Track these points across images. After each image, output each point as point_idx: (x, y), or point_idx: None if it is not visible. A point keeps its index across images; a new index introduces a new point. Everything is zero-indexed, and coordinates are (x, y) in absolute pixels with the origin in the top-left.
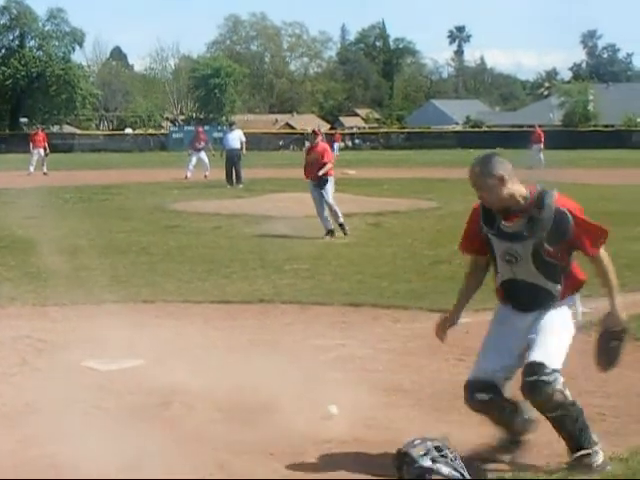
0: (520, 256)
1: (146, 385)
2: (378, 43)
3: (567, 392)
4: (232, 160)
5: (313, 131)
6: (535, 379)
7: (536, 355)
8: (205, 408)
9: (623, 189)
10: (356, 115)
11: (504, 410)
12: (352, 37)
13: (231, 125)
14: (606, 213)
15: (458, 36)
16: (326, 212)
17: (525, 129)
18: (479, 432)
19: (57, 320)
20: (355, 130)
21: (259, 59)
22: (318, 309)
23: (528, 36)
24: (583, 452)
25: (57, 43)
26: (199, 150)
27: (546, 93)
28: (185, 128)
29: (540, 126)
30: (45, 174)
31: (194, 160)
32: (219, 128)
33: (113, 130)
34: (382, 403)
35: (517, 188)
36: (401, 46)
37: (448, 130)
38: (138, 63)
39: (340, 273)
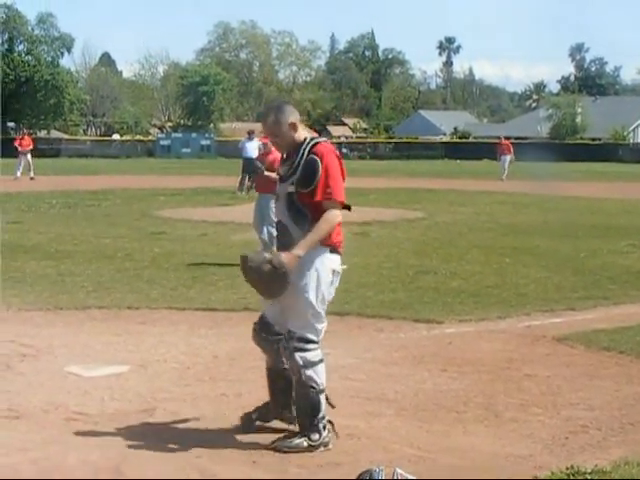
0: (278, 195)
1: (129, 392)
2: (367, 53)
3: (303, 362)
4: (248, 169)
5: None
6: (286, 345)
7: (292, 324)
8: (188, 416)
9: (609, 202)
10: (344, 124)
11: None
12: (341, 46)
13: (250, 134)
14: (592, 226)
15: (447, 47)
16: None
17: (513, 141)
18: (462, 442)
19: (41, 325)
20: (343, 139)
21: (248, 67)
22: None
23: (517, 48)
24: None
25: (46, 48)
26: None
27: (534, 105)
28: (173, 135)
29: (507, 138)
30: (32, 179)
31: None
32: (207, 135)
33: (101, 136)
34: (365, 412)
35: (300, 134)
36: (390, 56)
37: (435, 141)
38: (127, 69)
39: None
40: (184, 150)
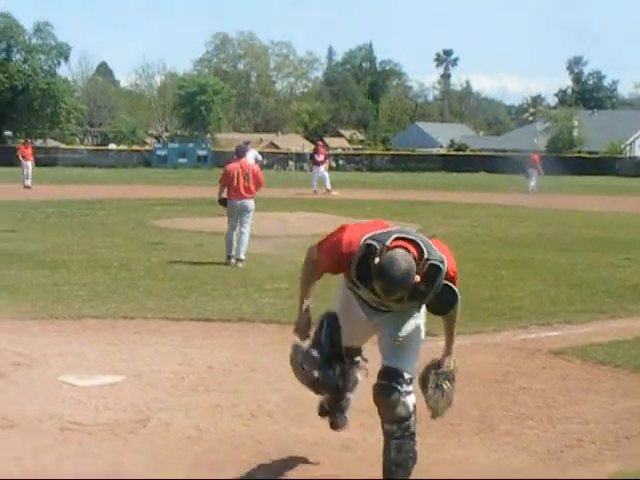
0: (389, 307)
1: (124, 401)
2: (365, 64)
3: (411, 410)
4: None
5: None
6: (387, 383)
7: (396, 361)
8: (182, 426)
9: (607, 216)
10: (340, 136)
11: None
12: (339, 58)
13: (246, 144)
14: (590, 239)
15: (445, 59)
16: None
17: (509, 154)
18: (456, 454)
19: (36, 334)
20: (339, 151)
21: (245, 78)
22: None
23: (514, 61)
24: None
25: (43, 57)
26: (319, 164)
27: (531, 118)
28: (169, 145)
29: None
30: (28, 187)
31: (316, 174)
32: (203, 146)
33: (97, 145)
34: (359, 425)
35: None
36: (387, 68)
37: (432, 153)
38: (124, 79)
39: (320, 293)
40: (181, 160)
